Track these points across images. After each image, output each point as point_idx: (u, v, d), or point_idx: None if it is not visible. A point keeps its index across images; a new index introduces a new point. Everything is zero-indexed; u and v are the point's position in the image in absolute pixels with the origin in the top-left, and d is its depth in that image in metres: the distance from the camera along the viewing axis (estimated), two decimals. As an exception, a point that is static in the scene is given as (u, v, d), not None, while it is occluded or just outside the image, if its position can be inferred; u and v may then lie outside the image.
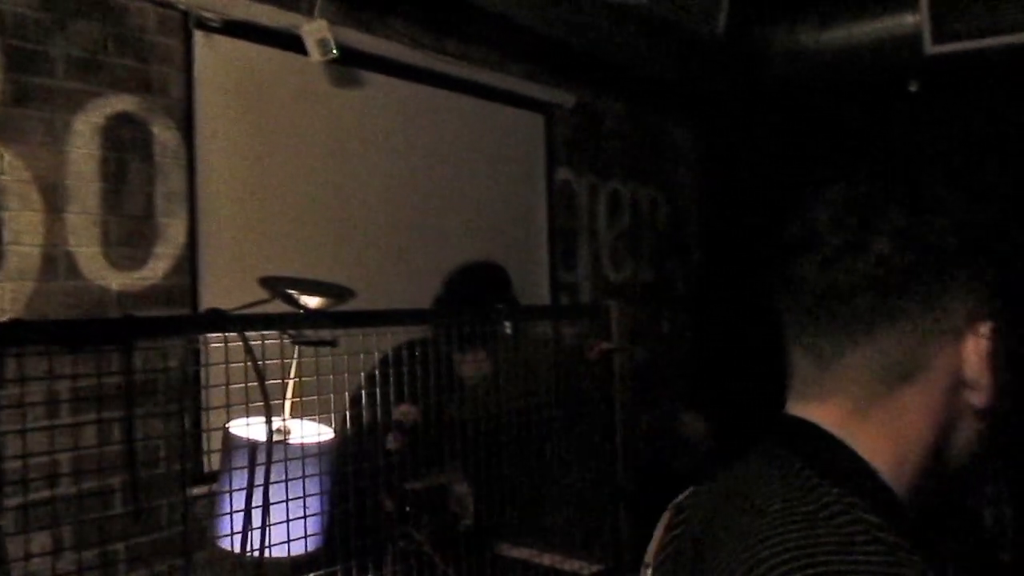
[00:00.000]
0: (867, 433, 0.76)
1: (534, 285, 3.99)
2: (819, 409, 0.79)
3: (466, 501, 1.94)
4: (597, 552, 2.05)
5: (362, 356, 1.64)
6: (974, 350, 0.75)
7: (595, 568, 1.99)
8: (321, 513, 1.56)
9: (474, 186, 3.68)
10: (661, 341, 4.79)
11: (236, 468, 1.48)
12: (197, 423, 2.42)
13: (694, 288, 5.07)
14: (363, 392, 1.81)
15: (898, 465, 0.76)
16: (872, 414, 0.76)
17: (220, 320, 1.38)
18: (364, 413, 1.94)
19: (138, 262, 2.57)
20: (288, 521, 1.48)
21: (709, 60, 4.05)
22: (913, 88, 3.81)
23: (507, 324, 2.11)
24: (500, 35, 3.69)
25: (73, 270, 2.44)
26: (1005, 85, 3.76)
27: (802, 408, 0.80)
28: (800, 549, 0.67)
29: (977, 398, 0.76)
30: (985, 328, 0.75)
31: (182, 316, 2.22)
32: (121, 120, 2.55)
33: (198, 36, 2.72)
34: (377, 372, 1.80)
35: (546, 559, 2.01)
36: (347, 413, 1.97)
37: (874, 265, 0.74)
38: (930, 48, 3.47)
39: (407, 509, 1.92)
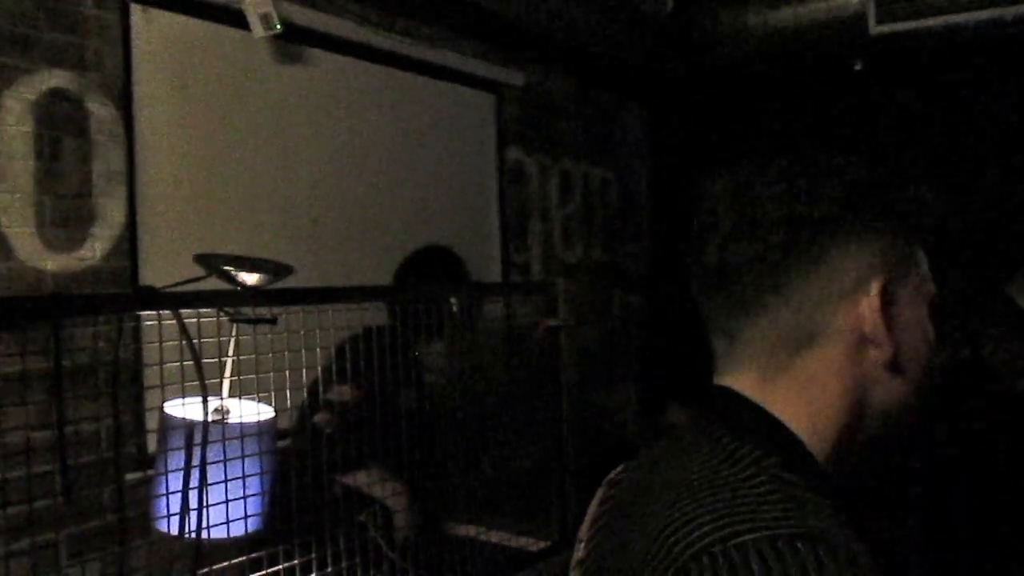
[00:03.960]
0: (780, 400, 0.79)
1: (486, 265, 3.97)
2: (735, 380, 0.82)
3: (398, 516, 1.91)
4: (544, 529, 2.05)
5: (302, 333, 1.61)
6: (868, 308, 0.78)
7: (542, 545, 2.00)
8: (262, 494, 1.54)
9: (424, 165, 3.64)
10: (613, 321, 4.81)
11: (173, 450, 1.45)
12: (139, 405, 2.38)
13: (645, 268, 5.10)
14: (319, 378, 1.79)
15: (815, 429, 0.78)
16: (780, 382, 0.79)
17: (152, 298, 1.34)
18: (311, 402, 1.92)
19: (75, 243, 2.49)
20: (227, 502, 1.46)
21: (658, 40, 4.05)
22: (858, 67, 3.85)
23: (453, 302, 2.09)
24: (449, 13, 3.65)
25: (6, 252, 2.36)
26: (947, 64, 3.82)
27: (722, 379, 0.83)
28: (713, 514, 0.68)
29: (880, 355, 0.78)
30: (875, 285, 0.78)
31: (112, 294, 2.16)
32: (55, 96, 2.47)
33: (135, 9, 2.64)
34: (333, 358, 1.78)
35: (493, 536, 2.01)
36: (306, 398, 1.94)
37: (755, 242, 0.78)
38: (874, 27, 3.52)
39: (352, 498, 1.90)
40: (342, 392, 1.94)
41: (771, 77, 4.27)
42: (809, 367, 0.78)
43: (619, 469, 0.89)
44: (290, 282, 1.71)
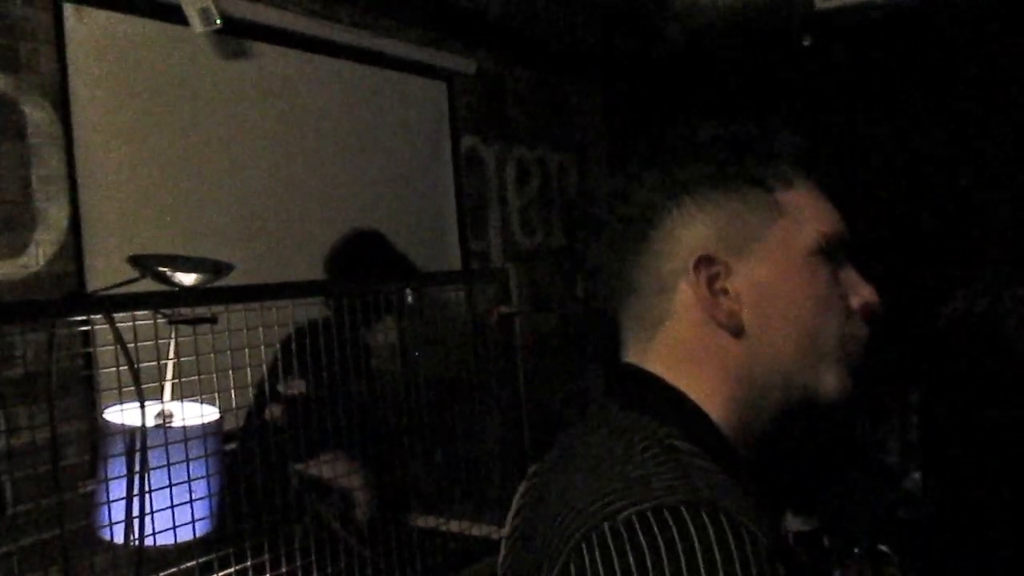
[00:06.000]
0: (672, 374, 0.80)
1: (444, 254, 3.95)
2: (635, 356, 0.84)
3: (358, 496, 1.90)
4: (505, 517, 2.04)
5: (245, 332, 1.58)
6: (692, 284, 0.79)
7: (503, 532, 1.99)
8: (210, 496, 1.51)
9: (377, 157, 3.60)
10: (575, 306, 4.81)
11: (114, 456, 1.42)
12: (91, 412, 2.34)
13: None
14: (265, 374, 1.77)
15: (712, 400, 0.78)
16: (662, 358, 0.81)
17: (83, 302, 1.31)
18: (263, 392, 1.89)
19: (16, 250, 2.43)
20: (172, 507, 1.43)
21: (609, 21, 4.04)
22: (807, 43, 3.86)
23: (409, 293, 2.07)
24: (395, 1, 3.61)
25: (-56, 261, 2.30)
26: (889, 38, 3.85)
27: (627, 356, 0.85)
28: (602, 491, 0.68)
29: (724, 326, 0.79)
30: (692, 261, 0.79)
31: (41, 300, 2.11)
32: (-13, 100, 2.40)
33: (68, 9, 2.57)
34: (279, 351, 1.76)
35: (454, 526, 2.00)
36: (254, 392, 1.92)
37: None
38: (820, 2, 3.53)
39: (311, 487, 1.88)
40: (296, 385, 1.92)
41: (723, 55, 4.28)
42: (671, 345, 0.80)
43: (540, 461, 0.88)
44: (240, 279, 1.68)
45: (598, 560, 0.64)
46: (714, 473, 0.71)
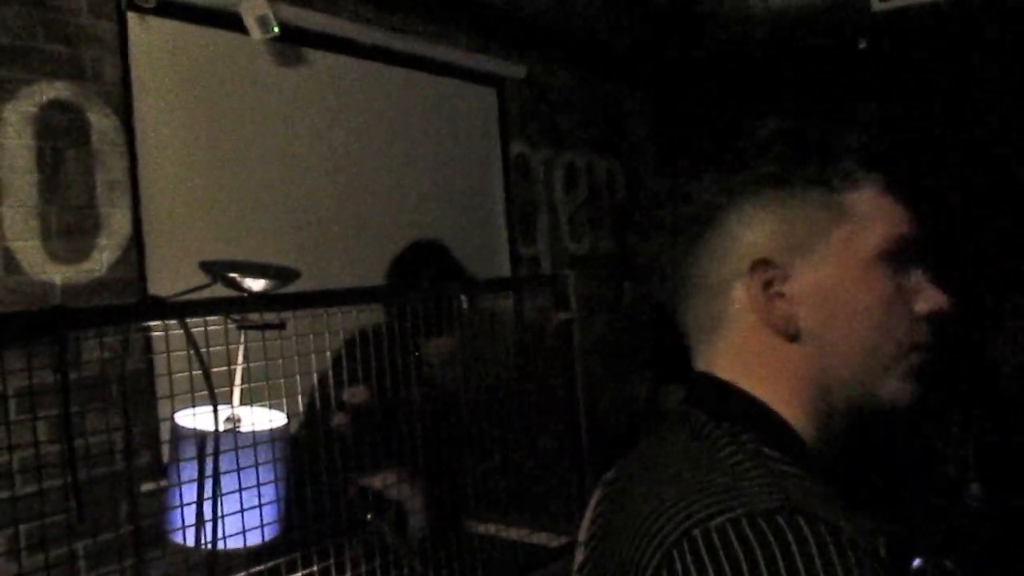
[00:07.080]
0: (745, 379, 0.78)
1: (494, 260, 3.95)
2: (707, 364, 0.82)
3: (412, 506, 1.90)
4: (563, 525, 2.04)
5: (312, 337, 1.59)
6: (748, 288, 0.78)
7: (561, 540, 1.98)
8: (278, 500, 1.52)
9: (427, 163, 3.62)
10: (623, 311, 4.78)
11: (185, 460, 1.44)
12: (152, 416, 2.38)
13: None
14: (329, 373, 1.78)
15: (788, 405, 0.77)
16: (728, 364, 0.79)
17: (158, 307, 1.33)
18: (321, 397, 1.90)
19: (81, 254, 2.48)
20: (242, 511, 1.44)
21: (659, 25, 4.02)
22: (862, 45, 3.80)
23: (463, 299, 2.07)
24: (445, 7, 3.63)
25: (13, 265, 2.35)
26: (947, 39, 3.77)
27: (698, 365, 0.84)
28: (692, 496, 0.67)
29: (782, 331, 0.77)
30: (748, 264, 0.77)
31: (117, 305, 2.15)
32: (55, 108, 2.45)
33: (131, 18, 2.62)
34: (343, 353, 1.77)
35: (512, 533, 2.00)
36: (315, 394, 1.92)
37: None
38: (877, 4, 3.47)
39: (368, 499, 1.88)
40: (356, 393, 1.93)
41: (777, 59, 4.23)
42: (734, 350, 0.79)
43: (615, 467, 0.87)
44: (297, 285, 1.69)
45: (691, 566, 0.63)
46: (804, 479, 0.70)
